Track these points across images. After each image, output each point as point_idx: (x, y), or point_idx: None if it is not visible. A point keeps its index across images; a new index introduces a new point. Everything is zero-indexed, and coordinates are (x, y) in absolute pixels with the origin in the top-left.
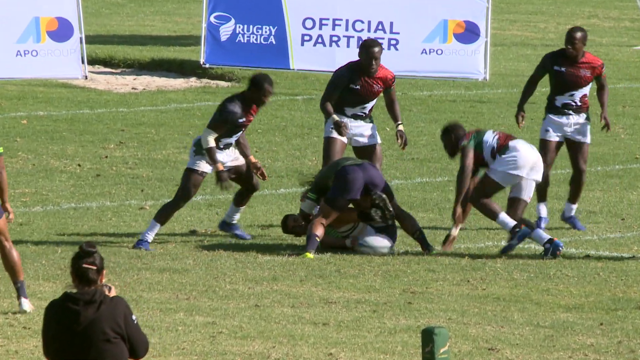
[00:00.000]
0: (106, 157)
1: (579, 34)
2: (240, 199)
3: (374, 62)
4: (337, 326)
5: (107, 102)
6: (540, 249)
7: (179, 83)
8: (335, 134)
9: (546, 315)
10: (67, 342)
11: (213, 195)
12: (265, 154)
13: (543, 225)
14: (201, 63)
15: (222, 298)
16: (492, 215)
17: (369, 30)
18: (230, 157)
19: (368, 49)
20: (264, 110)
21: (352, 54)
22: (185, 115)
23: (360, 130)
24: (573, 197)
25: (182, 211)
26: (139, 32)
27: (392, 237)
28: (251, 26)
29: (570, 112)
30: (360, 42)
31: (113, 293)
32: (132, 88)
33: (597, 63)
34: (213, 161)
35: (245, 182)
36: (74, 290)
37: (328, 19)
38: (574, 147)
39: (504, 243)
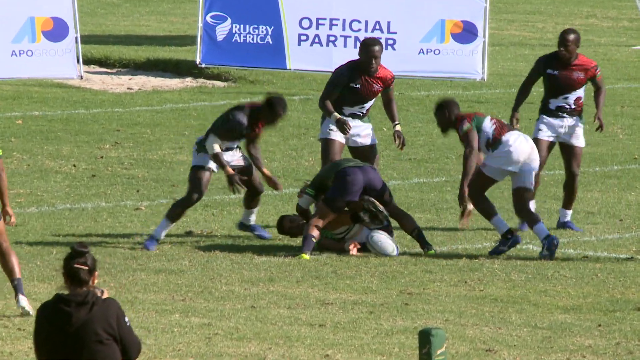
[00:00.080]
0: (101, 157)
1: (572, 36)
2: (249, 202)
3: (374, 62)
4: (334, 327)
5: (102, 102)
6: (537, 249)
7: (174, 83)
8: (332, 135)
9: (544, 317)
10: (60, 343)
11: (209, 196)
12: (261, 155)
13: (526, 228)
14: (197, 63)
15: (218, 299)
16: (488, 215)
17: (366, 30)
18: (234, 157)
19: (368, 47)
20: None
21: (349, 54)
22: (181, 115)
23: (358, 130)
24: (567, 203)
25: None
26: (134, 32)
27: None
28: (247, 26)
29: (565, 114)
30: (358, 41)
31: (106, 295)
32: (128, 88)
33: (590, 65)
34: (222, 166)
35: (247, 184)
36: (66, 292)
37: (325, 19)
38: (567, 151)
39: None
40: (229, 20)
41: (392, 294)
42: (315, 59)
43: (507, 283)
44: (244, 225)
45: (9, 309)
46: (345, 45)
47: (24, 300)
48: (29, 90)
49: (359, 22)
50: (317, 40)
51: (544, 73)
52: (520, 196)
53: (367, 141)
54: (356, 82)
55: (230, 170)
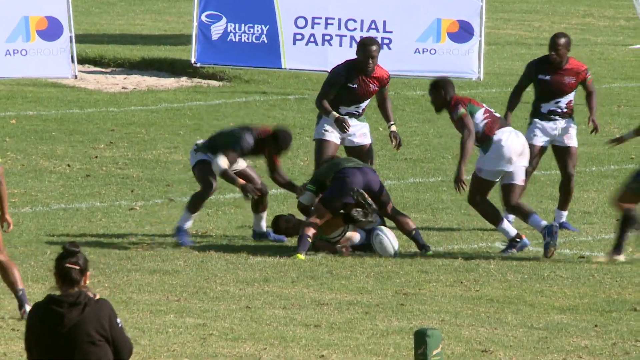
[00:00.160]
0: (96, 157)
1: (562, 40)
2: (256, 206)
3: (370, 61)
4: (329, 328)
5: (97, 101)
6: (534, 249)
7: (169, 82)
8: (327, 136)
9: (540, 317)
10: (51, 344)
11: None
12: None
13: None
14: (192, 62)
15: (212, 300)
16: (494, 221)
17: (361, 30)
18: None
19: (366, 47)
20: (256, 109)
21: (344, 53)
22: (176, 115)
23: (354, 129)
24: (563, 204)
25: (172, 212)
26: (129, 31)
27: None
28: (243, 25)
29: (557, 117)
30: (354, 41)
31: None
32: (123, 87)
33: (581, 68)
34: (232, 181)
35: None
36: (58, 292)
37: (320, 18)
38: (562, 152)
39: (497, 244)
40: (224, 20)
41: (388, 295)
42: (310, 58)
43: (503, 283)
44: (258, 234)
45: (2, 310)
46: (340, 45)
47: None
48: (23, 90)
49: (355, 21)
50: (312, 39)
51: (535, 78)
52: (510, 192)
53: (362, 141)
54: (353, 82)
55: (242, 182)
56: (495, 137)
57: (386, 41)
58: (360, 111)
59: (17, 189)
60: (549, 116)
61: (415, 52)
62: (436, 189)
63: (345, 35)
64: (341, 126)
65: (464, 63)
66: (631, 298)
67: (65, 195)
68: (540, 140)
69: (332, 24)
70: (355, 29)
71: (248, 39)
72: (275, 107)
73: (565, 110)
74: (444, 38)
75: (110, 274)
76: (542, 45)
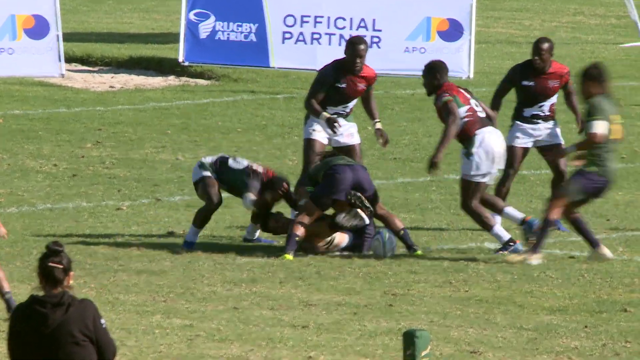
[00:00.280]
0: (83, 156)
1: (545, 45)
2: (257, 218)
3: (358, 60)
4: (317, 329)
5: (84, 100)
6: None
7: (157, 81)
8: (314, 136)
9: (529, 318)
10: (35, 345)
11: (191, 196)
12: (245, 154)
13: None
14: (180, 61)
15: (199, 300)
16: (486, 226)
17: (351, 28)
18: None
19: (354, 46)
20: (244, 109)
21: (333, 52)
22: (163, 114)
23: (341, 129)
24: None
25: (159, 212)
26: (117, 30)
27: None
28: (231, 23)
29: (540, 120)
30: (343, 39)
31: None
32: (110, 86)
33: (564, 71)
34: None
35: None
36: (41, 293)
37: (309, 16)
38: (549, 150)
39: (487, 244)
40: (213, 18)
41: (376, 295)
42: (299, 57)
43: (493, 284)
44: (248, 240)
45: None
46: (329, 43)
47: None
48: (10, 89)
49: (344, 19)
50: (301, 38)
51: (519, 85)
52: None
53: (350, 140)
54: (341, 82)
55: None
56: (476, 138)
57: (376, 40)
58: (348, 111)
59: (3, 188)
60: (531, 120)
61: (405, 50)
62: (425, 188)
63: (335, 34)
64: (332, 126)
65: (454, 62)
66: (621, 299)
67: (52, 195)
68: (522, 142)
69: (321, 22)
70: (344, 27)
71: (236, 37)
72: (263, 106)
73: (548, 113)
74: (434, 36)
75: (96, 274)
76: (532, 43)
